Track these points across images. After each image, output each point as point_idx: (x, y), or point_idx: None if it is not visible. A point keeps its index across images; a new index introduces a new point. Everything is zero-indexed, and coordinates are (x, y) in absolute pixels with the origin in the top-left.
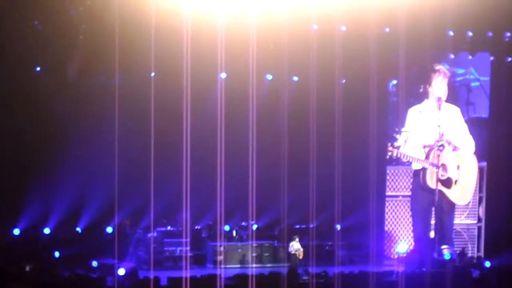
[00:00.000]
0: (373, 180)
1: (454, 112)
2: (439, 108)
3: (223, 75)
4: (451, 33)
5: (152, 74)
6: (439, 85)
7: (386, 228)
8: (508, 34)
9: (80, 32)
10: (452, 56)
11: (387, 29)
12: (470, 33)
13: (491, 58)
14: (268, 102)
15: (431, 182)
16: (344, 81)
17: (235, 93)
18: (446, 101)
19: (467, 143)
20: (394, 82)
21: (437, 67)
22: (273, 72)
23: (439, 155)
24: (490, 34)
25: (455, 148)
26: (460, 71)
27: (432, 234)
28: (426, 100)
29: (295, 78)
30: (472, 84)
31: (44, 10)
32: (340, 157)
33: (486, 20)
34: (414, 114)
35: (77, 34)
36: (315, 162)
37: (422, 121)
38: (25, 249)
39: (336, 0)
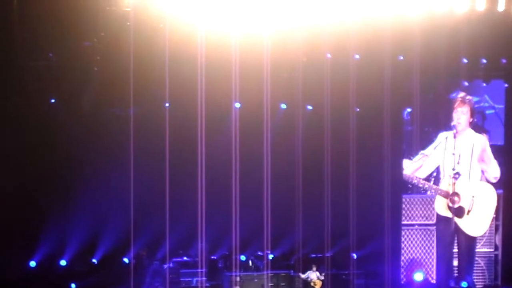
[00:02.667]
0: (388, 208)
1: (478, 143)
2: (454, 137)
3: (237, 105)
4: (465, 61)
5: (167, 104)
6: (456, 113)
7: (402, 257)
8: None
9: (95, 63)
10: (466, 83)
11: (401, 57)
12: (484, 60)
13: (505, 85)
14: (282, 132)
15: (440, 209)
16: (358, 109)
17: (250, 123)
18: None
19: (490, 174)
20: (409, 110)
21: (453, 95)
22: (287, 101)
23: (454, 183)
24: (504, 61)
25: (473, 178)
26: (475, 99)
27: (455, 263)
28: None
29: (309, 107)
30: (487, 111)
31: (58, 42)
32: (355, 186)
33: (500, 47)
34: (440, 140)
35: (91, 65)
36: (330, 191)
37: (443, 148)
38: (41, 282)
39: (350, 29)
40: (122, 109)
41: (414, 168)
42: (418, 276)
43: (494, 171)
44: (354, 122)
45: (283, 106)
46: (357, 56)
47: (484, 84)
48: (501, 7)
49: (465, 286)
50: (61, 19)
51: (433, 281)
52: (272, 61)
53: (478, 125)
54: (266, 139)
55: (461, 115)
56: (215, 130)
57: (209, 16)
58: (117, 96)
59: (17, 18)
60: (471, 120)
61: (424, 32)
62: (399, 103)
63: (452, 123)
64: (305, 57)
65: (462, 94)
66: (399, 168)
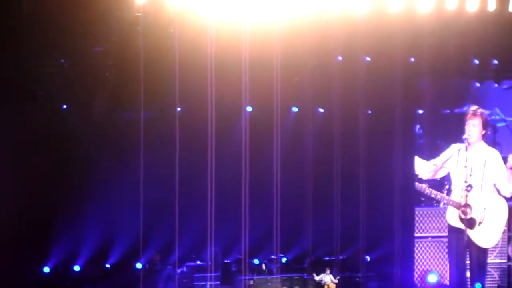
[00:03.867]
0: (401, 208)
1: (491, 156)
2: (466, 149)
3: (249, 109)
4: (477, 62)
5: (178, 109)
6: (468, 126)
7: (416, 269)
8: None
9: (106, 69)
10: (478, 84)
11: (412, 59)
12: (496, 61)
13: None
14: (293, 135)
15: (452, 220)
16: (369, 112)
17: (261, 127)
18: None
19: (500, 188)
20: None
21: (465, 108)
22: (298, 104)
23: (466, 195)
24: None
25: (485, 190)
26: (486, 112)
27: (468, 274)
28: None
29: (321, 110)
30: (498, 124)
31: (70, 48)
32: (366, 188)
33: (511, 48)
34: (452, 152)
35: (103, 71)
36: (342, 193)
37: (455, 160)
38: (55, 287)
39: (360, 31)
40: (133, 114)
41: (426, 172)
42: (432, 278)
43: (507, 190)
44: (365, 124)
45: (294, 109)
46: (368, 58)
47: (496, 85)
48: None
49: (479, 287)
50: (72, 24)
51: (447, 282)
52: (282, 64)
53: (489, 138)
54: (277, 142)
55: (472, 128)
56: (225, 134)
57: (218, 21)
58: (128, 101)
59: (28, 25)
60: (483, 132)
61: (434, 34)
62: (411, 105)
63: (464, 136)
64: (316, 60)
65: (474, 107)
66: (411, 168)
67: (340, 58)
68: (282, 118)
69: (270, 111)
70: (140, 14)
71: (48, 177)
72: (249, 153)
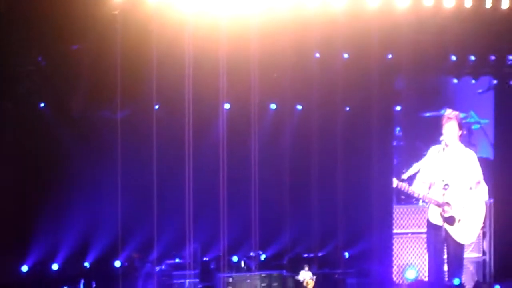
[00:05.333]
0: (379, 205)
1: (467, 156)
2: (443, 150)
3: (226, 106)
4: (454, 58)
5: (156, 106)
6: (444, 128)
7: (396, 262)
8: (511, 57)
9: (84, 67)
10: (455, 80)
11: (390, 55)
12: (473, 57)
13: (494, 81)
14: (271, 132)
15: (433, 218)
16: (348, 109)
17: (239, 124)
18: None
19: (476, 186)
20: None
21: (442, 111)
22: (276, 101)
23: (444, 194)
24: (493, 57)
25: (462, 189)
26: (462, 114)
27: (445, 268)
28: None
29: (299, 107)
30: (473, 127)
31: (47, 47)
32: (345, 185)
33: (488, 44)
34: (432, 153)
35: (80, 69)
36: (321, 190)
37: (433, 161)
38: (34, 286)
39: (338, 28)
40: (111, 112)
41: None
42: (411, 274)
43: (482, 193)
44: (343, 121)
45: (273, 106)
46: (346, 55)
47: (473, 81)
48: (488, 3)
49: (457, 283)
50: (49, 23)
51: (426, 279)
52: (260, 61)
53: (465, 139)
54: (255, 139)
55: (448, 130)
56: (203, 131)
57: (196, 18)
58: (106, 99)
59: (4, 23)
60: (459, 133)
61: (412, 30)
62: (389, 101)
63: (441, 138)
64: (294, 56)
65: (449, 110)
66: (389, 164)
67: (318, 55)
68: (260, 115)
69: (248, 108)
70: (117, 12)
71: (25, 175)
72: (227, 150)
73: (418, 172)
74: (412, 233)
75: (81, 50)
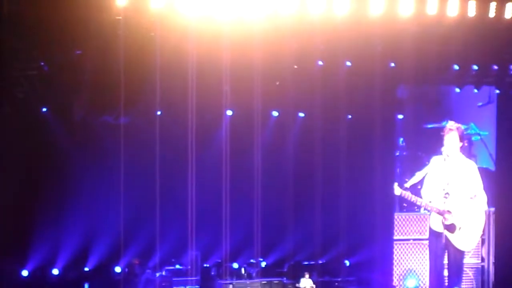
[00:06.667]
0: (381, 213)
1: (467, 166)
2: (444, 160)
3: (229, 113)
4: (456, 67)
5: (158, 112)
6: (445, 140)
7: (398, 269)
8: None
9: (86, 72)
10: (457, 90)
11: (392, 64)
12: (475, 67)
13: (497, 91)
14: (274, 139)
15: (435, 226)
16: (350, 116)
17: (241, 130)
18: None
19: (476, 196)
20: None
21: (444, 123)
22: (279, 108)
23: (444, 202)
24: (495, 67)
25: (463, 198)
26: (463, 126)
27: (445, 273)
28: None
29: (301, 114)
30: (473, 138)
31: (50, 51)
32: (347, 192)
33: (491, 54)
34: (433, 163)
35: (82, 74)
36: (323, 198)
37: (435, 170)
38: None
39: (341, 36)
40: (113, 117)
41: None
42: (411, 283)
43: (482, 202)
44: (345, 129)
45: (275, 113)
46: (348, 63)
47: (476, 91)
48: (491, 13)
49: None
50: (53, 28)
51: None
52: (263, 68)
53: (466, 150)
54: (257, 146)
55: (449, 142)
56: (206, 138)
57: (200, 24)
58: (108, 104)
59: (8, 27)
60: (460, 145)
61: (415, 39)
62: (391, 109)
63: (442, 149)
64: (296, 64)
65: (451, 122)
66: (391, 172)
67: (320, 62)
68: (262, 122)
69: (250, 115)
70: (120, 18)
71: (26, 180)
72: (230, 157)
73: (421, 180)
74: (414, 239)
75: (84, 55)
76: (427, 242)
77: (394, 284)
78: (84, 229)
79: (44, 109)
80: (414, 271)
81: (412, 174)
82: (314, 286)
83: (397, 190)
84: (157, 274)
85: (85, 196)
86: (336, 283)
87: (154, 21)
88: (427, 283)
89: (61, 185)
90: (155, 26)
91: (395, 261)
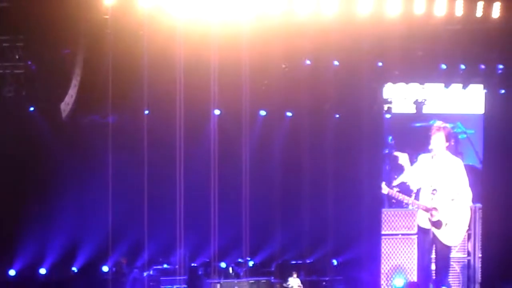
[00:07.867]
0: (368, 212)
1: (454, 164)
2: (432, 158)
3: (217, 112)
4: (444, 66)
5: (146, 112)
6: (432, 139)
7: (387, 264)
8: (501, 66)
9: (74, 71)
10: (445, 88)
11: (380, 63)
12: (463, 66)
13: (484, 90)
14: (261, 138)
15: (422, 222)
16: (337, 116)
17: (229, 130)
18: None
19: (462, 192)
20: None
21: (431, 122)
22: (267, 108)
23: (432, 199)
24: (483, 66)
25: (449, 195)
26: (450, 125)
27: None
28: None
29: (289, 114)
30: (460, 136)
31: (38, 50)
32: (335, 192)
33: (478, 53)
34: (420, 161)
35: (71, 73)
36: (311, 197)
37: (422, 168)
38: None
39: (329, 35)
40: (101, 116)
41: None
42: (398, 282)
43: (467, 198)
44: (333, 128)
45: (263, 112)
46: (336, 63)
47: (463, 90)
48: (479, 12)
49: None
50: (40, 26)
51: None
52: (251, 68)
53: (452, 148)
54: (245, 145)
55: (436, 140)
56: (194, 137)
57: (188, 24)
58: (96, 103)
59: None
60: (447, 144)
61: (402, 38)
62: (379, 109)
63: (429, 147)
64: (284, 63)
65: (438, 122)
66: (378, 171)
67: (308, 62)
68: (250, 122)
69: (238, 114)
70: (108, 17)
71: (14, 179)
72: (218, 156)
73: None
74: (402, 235)
75: (72, 54)
76: (415, 237)
77: (381, 283)
78: (71, 228)
79: (32, 108)
80: (402, 269)
81: (400, 172)
82: (301, 285)
83: (385, 189)
84: (145, 273)
85: (72, 195)
86: (324, 282)
87: (142, 20)
88: (415, 278)
89: (49, 184)
90: (143, 25)
91: (384, 255)
